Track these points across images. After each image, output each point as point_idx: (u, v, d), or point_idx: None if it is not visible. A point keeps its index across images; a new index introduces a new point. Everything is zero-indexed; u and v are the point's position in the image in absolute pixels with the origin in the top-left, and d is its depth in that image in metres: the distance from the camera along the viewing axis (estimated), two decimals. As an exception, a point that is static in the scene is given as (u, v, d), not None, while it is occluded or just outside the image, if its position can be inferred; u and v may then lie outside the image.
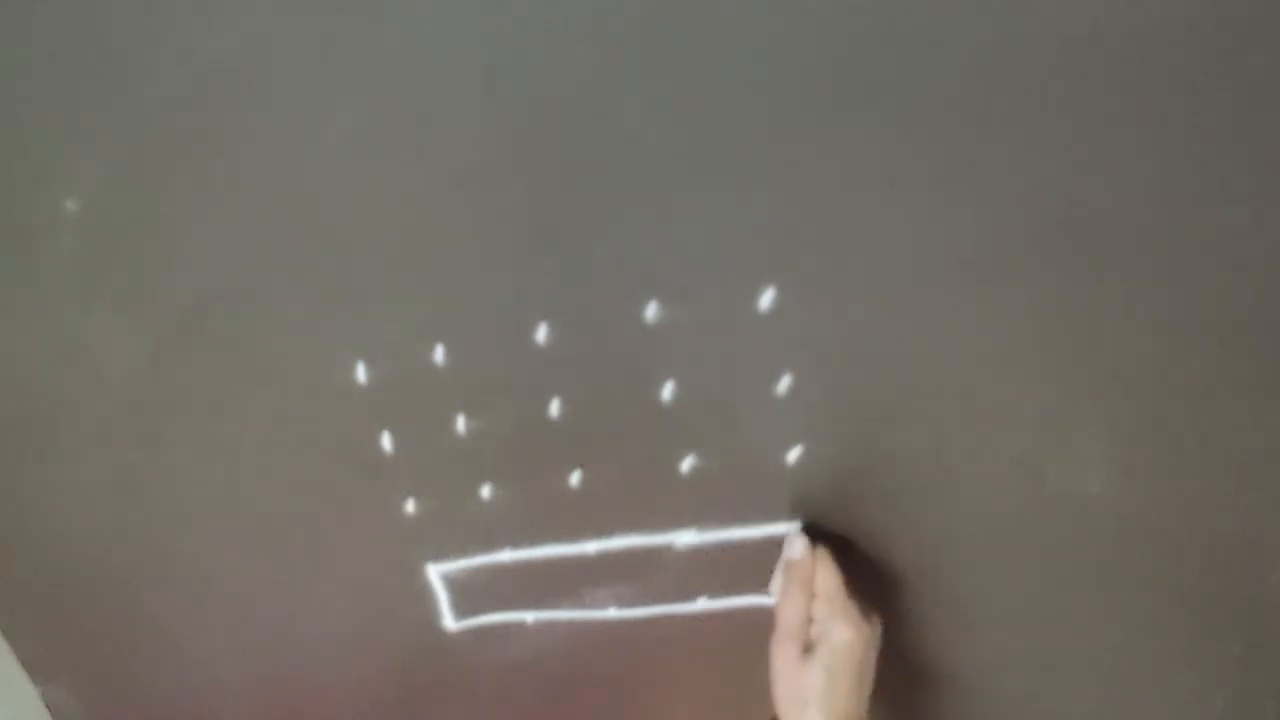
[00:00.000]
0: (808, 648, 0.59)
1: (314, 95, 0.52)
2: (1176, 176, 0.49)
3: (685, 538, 0.65)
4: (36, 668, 0.82)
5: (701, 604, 0.69)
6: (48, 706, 0.84)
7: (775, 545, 0.65)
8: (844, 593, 0.60)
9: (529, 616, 0.72)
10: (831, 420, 0.60)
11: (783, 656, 0.60)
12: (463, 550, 0.69)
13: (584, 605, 0.71)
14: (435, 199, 0.55)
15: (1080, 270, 0.52)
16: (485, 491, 0.66)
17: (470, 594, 0.71)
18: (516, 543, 0.68)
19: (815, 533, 0.64)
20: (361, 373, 0.62)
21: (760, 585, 0.67)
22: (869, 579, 0.64)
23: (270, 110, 0.53)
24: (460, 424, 0.63)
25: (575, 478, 0.64)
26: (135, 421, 0.66)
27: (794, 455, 0.61)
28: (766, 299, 0.55)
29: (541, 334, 0.59)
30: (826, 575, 0.61)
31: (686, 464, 0.62)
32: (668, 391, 0.60)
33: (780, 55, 0.48)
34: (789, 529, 0.64)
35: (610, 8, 0.48)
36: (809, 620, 0.61)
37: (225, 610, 0.76)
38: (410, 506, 0.67)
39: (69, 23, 0.52)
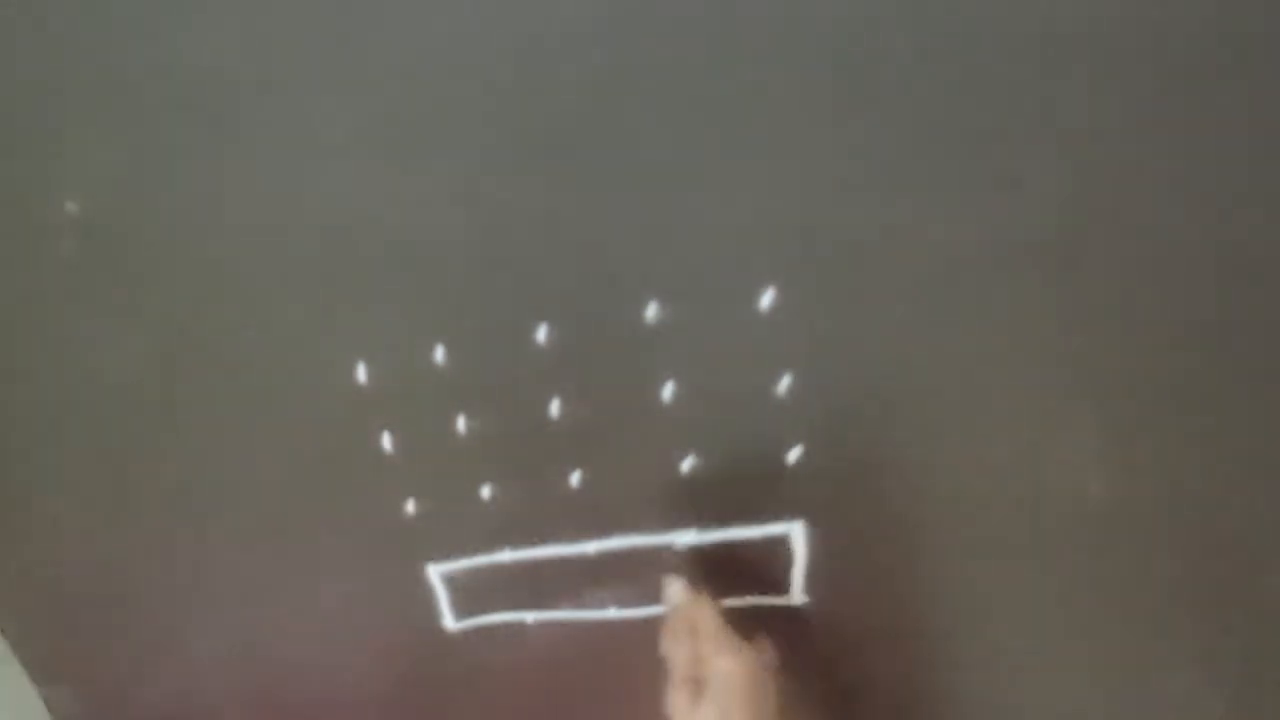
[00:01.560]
0: (700, 690, 0.58)
1: (314, 96, 0.52)
2: (1177, 176, 0.49)
3: (685, 538, 0.65)
4: (37, 668, 0.82)
5: (701, 604, 0.69)
6: (48, 707, 0.84)
7: (775, 545, 0.65)
8: (724, 627, 0.60)
9: (529, 616, 0.72)
10: (831, 420, 0.59)
11: (675, 705, 0.59)
12: (463, 550, 0.69)
13: (584, 605, 0.70)
14: (435, 199, 0.55)
15: (1080, 270, 0.52)
16: (485, 491, 0.66)
17: (470, 594, 0.71)
18: (516, 543, 0.68)
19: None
20: (361, 373, 0.62)
21: (760, 585, 0.67)
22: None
23: (270, 110, 0.53)
24: (460, 424, 0.63)
25: (575, 478, 0.64)
26: (135, 421, 0.66)
27: (794, 455, 0.61)
28: (766, 299, 0.55)
29: (541, 334, 0.59)
30: (706, 614, 0.61)
31: (686, 464, 0.62)
32: (668, 391, 0.60)
33: (780, 55, 0.48)
34: (789, 529, 0.64)
35: (610, 8, 0.48)
36: (697, 662, 0.60)
37: (225, 610, 0.76)
38: (410, 506, 0.67)
39: (69, 23, 0.52)
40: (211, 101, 0.53)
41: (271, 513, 0.69)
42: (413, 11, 0.49)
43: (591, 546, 0.67)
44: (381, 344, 0.61)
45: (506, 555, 0.68)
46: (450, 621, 0.73)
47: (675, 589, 0.63)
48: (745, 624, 0.62)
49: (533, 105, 0.51)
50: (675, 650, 0.61)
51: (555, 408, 0.61)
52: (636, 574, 0.68)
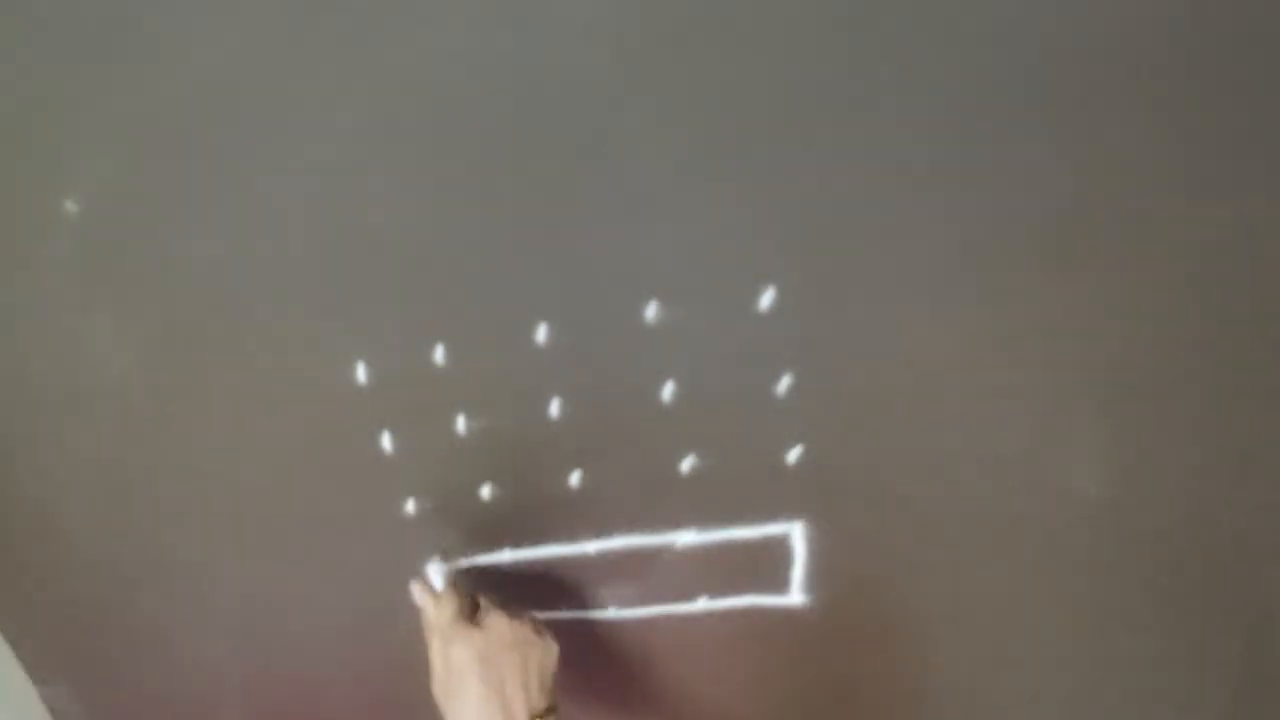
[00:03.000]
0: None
1: (314, 96, 0.52)
2: (1176, 176, 0.49)
3: (685, 538, 0.65)
4: (36, 668, 0.83)
5: (701, 604, 0.69)
6: (48, 706, 0.84)
7: (775, 545, 0.65)
8: (452, 620, 0.62)
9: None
10: (831, 420, 0.60)
11: (437, 697, 0.62)
12: (463, 550, 0.69)
13: (584, 605, 0.71)
14: (435, 199, 0.55)
15: (1081, 269, 0.52)
16: (485, 491, 0.66)
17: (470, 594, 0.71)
18: (516, 543, 0.68)
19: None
20: (361, 373, 0.62)
21: (760, 585, 0.67)
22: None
23: (270, 111, 0.53)
24: (460, 424, 0.63)
25: (575, 478, 0.64)
26: (135, 421, 0.66)
27: (794, 455, 0.61)
28: (766, 299, 0.55)
29: (541, 334, 0.59)
30: (436, 611, 0.64)
31: (686, 464, 0.62)
32: (668, 391, 0.60)
33: (780, 56, 0.48)
34: (789, 529, 0.64)
35: (611, 9, 0.48)
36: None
37: (224, 610, 0.76)
38: (410, 506, 0.67)
39: (70, 25, 0.52)
40: (212, 103, 0.53)
41: (272, 513, 0.69)
42: (413, 13, 0.49)
43: (591, 546, 0.67)
44: (381, 344, 0.61)
45: (506, 555, 0.68)
46: (450, 621, 0.73)
47: (415, 591, 0.65)
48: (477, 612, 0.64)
49: (533, 106, 0.51)
50: (430, 647, 0.63)
51: (555, 408, 0.61)
52: (636, 574, 0.68)
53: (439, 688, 0.62)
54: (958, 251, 0.53)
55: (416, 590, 0.65)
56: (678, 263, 0.55)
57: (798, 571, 0.66)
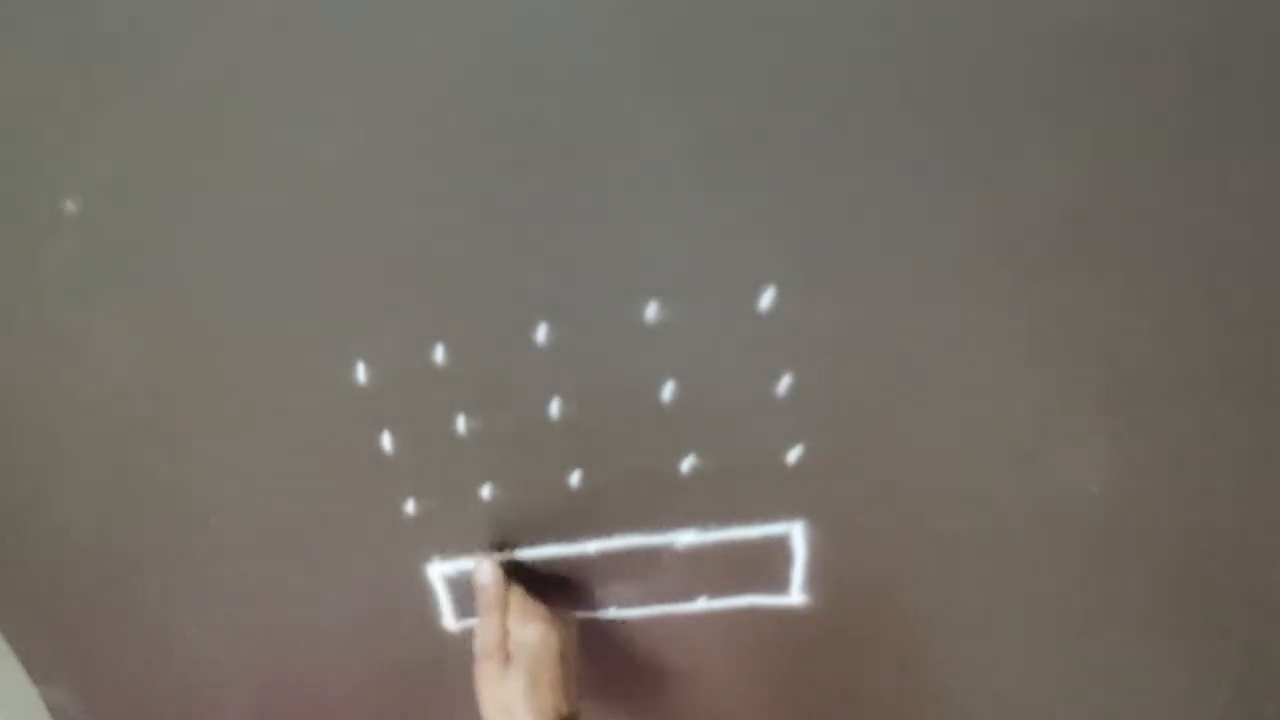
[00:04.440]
0: (507, 661, 0.62)
1: (314, 95, 0.52)
2: (1176, 176, 0.49)
3: (685, 538, 0.65)
4: (36, 668, 0.82)
5: (701, 604, 0.69)
6: (48, 706, 0.84)
7: (775, 545, 0.65)
8: (530, 599, 0.64)
9: (529, 616, 0.72)
10: (831, 420, 0.60)
11: (484, 674, 0.62)
12: (463, 550, 0.69)
13: (584, 605, 0.70)
14: (435, 199, 0.55)
15: (1080, 270, 0.52)
16: (485, 491, 0.66)
17: (470, 594, 0.71)
18: (516, 543, 0.68)
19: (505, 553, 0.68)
20: (361, 373, 0.62)
21: (760, 585, 0.67)
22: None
23: (270, 110, 0.53)
24: (460, 424, 0.63)
25: (575, 478, 0.64)
26: (135, 421, 0.66)
27: (794, 455, 0.61)
28: (766, 299, 0.55)
29: (541, 334, 0.59)
30: (514, 590, 0.64)
31: (686, 464, 0.62)
32: (668, 391, 0.60)
33: (780, 55, 0.48)
34: (789, 529, 0.64)
35: (610, 7, 0.48)
36: (505, 635, 0.63)
37: (225, 610, 0.76)
38: (410, 506, 0.67)
39: (70, 23, 0.52)
40: (212, 102, 0.53)
41: (271, 513, 0.69)
42: (411, 12, 0.49)
43: (591, 546, 0.67)
44: (381, 344, 0.61)
45: (507, 555, 0.68)
46: (450, 621, 0.73)
47: (486, 570, 0.65)
48: (553, 599, 0.65)
49: (532, 105, 0.51)
50: (483, 626, 0.63)
51: (555, 408, 0.61)
52: (636, 574, 0.68)
53: (489, 670, 0.62)
54: (958, 251, 0.53)
55: (486, 569, 0.65)
56: (678, 263, 0.55)
57: (798, 571, 0.66)
